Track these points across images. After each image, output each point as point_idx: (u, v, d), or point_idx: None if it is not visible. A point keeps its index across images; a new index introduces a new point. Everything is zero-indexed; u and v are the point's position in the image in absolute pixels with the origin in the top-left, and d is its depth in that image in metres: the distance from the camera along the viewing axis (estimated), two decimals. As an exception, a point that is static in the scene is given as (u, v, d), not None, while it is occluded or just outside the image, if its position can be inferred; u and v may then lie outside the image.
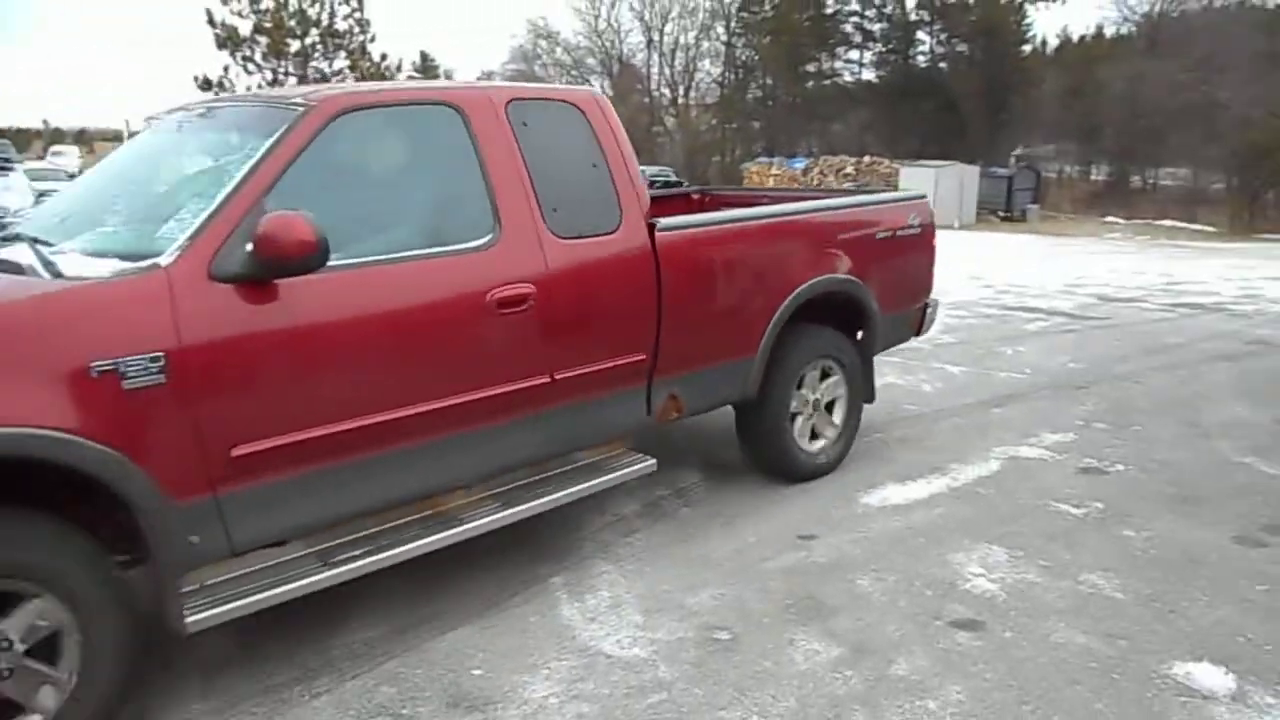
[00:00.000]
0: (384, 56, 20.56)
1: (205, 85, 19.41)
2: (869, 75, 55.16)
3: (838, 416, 4.68)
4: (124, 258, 2.65)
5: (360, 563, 2.96)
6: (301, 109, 3.01)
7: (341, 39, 20.07)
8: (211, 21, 18.96)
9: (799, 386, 4.47)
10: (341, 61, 20.35)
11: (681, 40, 57.74)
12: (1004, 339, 8.04)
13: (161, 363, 2.52)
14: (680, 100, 59.58)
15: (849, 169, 30.77)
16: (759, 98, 57.45)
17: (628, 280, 3.66)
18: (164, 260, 2.60)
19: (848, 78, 55.89)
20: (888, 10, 54.73)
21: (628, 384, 3.74)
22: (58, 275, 2.62)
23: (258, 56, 19.53)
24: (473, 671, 2.92)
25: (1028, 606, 3.25)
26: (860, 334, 4.74)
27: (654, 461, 3.88)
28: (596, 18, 58.43)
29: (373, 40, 20.47)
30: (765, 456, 4.53)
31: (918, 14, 54.23)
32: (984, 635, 3.07)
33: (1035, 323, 8.52)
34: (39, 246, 2.85)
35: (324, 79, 20.18)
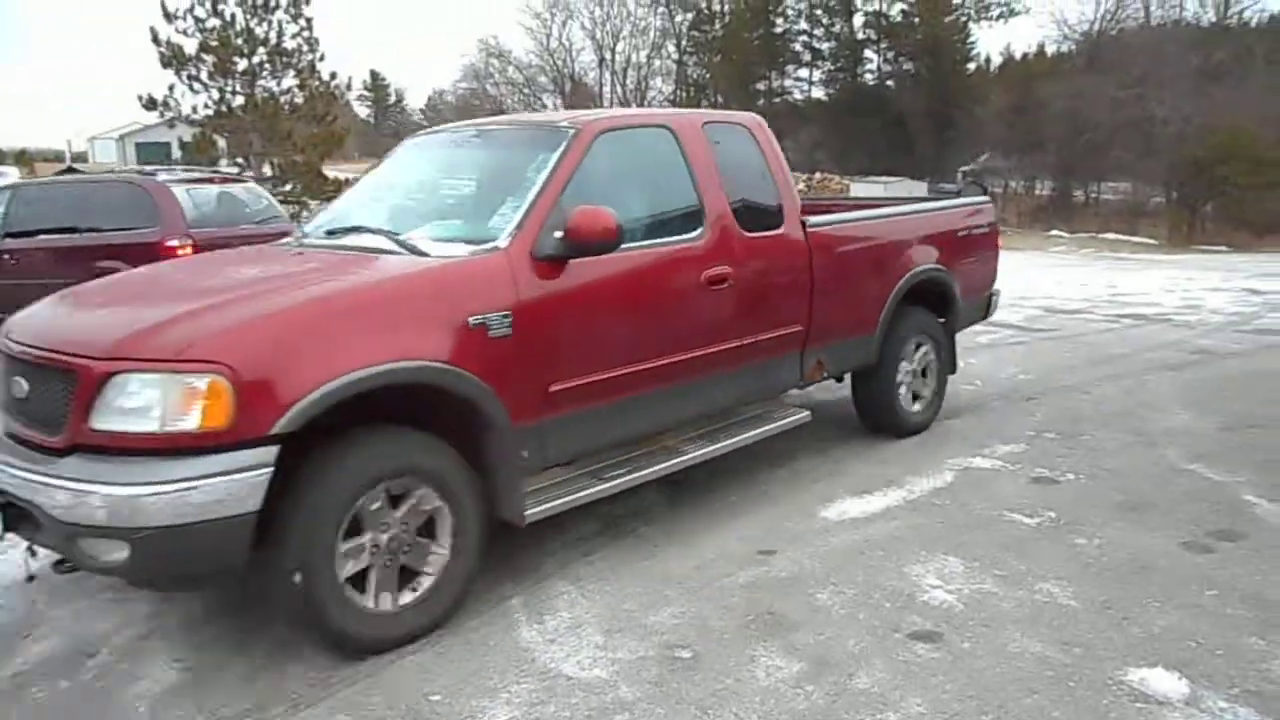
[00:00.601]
0: (334, 75, 20.34)
1: (150, 105, 19.04)
2: (819, 93, 55.90)
3: (930, 383, 5.67)
4: (468, 243, 3.56)
5: (624, 479, 3.90)
6: (573, 131, 3.91)
7: (290, 58, 19.83)
8: (156, 40, 18.62)
9: (905, 358, 5.41)
10: (290, 80, 20.10)
11: (633, 59, 58.15)
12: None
13: (510, 319, 3.40)
14: (633, 118, 59.89)
15: (800, 185, 31.07)
16: (711, 115, 57.88)
17: (790, 265, 4.60)
18: (501, 244, 3.50)
19: (798, 96, 56.57)
20: (835, 29, 55.55)
21: (789, 349, 4.69)
22: (423, 255, 3.54)
23: (204, 75, 19.22)
24: (431, 697, 2.87)
25: (985, 616, 3.28)
26: (947, 315, 5.71)
27: (808, 413, 4.87)
28: (548, 36, 58.65)
29: (322, 59, 20.27)
30: (878, 416, 5.48)
31: (865, 33, 55.08)
32: (943, 646, 3.09)
33: (984, 335, 8.64)
34: (394, 235, 3.76)
35: (273, 98, 19.94)
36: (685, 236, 4.14)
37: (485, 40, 62.35)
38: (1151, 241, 28.20)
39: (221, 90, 19.61)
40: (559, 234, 3.51)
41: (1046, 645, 3.07)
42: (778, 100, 55.18)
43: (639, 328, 3.92)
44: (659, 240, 4.04)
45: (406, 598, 3.23)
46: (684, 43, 56.56)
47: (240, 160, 20.22)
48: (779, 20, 56.16)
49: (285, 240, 4.55)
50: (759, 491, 4.62)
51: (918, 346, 5.50)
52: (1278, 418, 5.78)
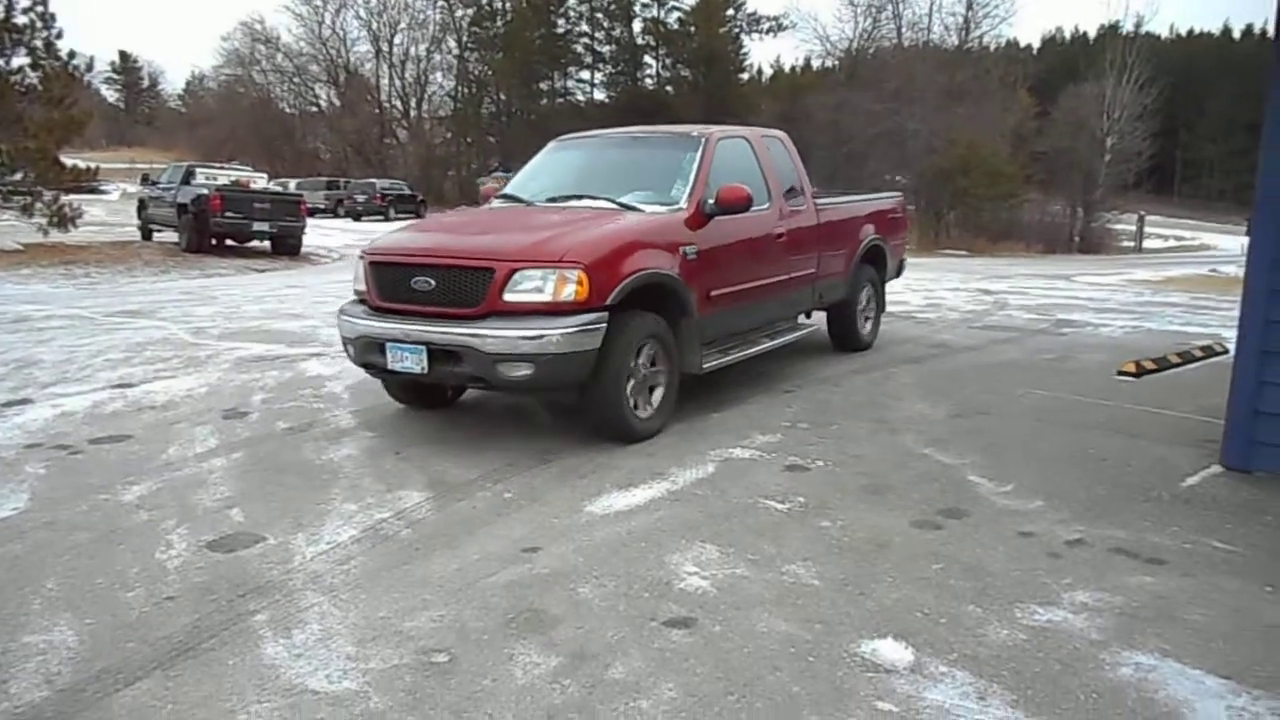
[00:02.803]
0: (72, 54, 18.47)
1: None
2: (600, 95, 56.70)
3: (871, 315, 8.45)
4: (662, 205, 5.76)
5: (737, 355, 6.23)
6: (704, 138, 6.24)
7: (20, 34, 17.84)
8: None
9: (861, 296, 8.13)
10: (21, 59, 18.10)
11: (413, 52, 56.72)
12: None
13: (695, 250, 5.61)
14: (413, 113, 58.38)
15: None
16: (493, 113, 57.51)
17: (808, 229, 7.07)
18: (683, 205, 5.76)
19: (580, 96, 57.12)
20: (616, 33, 56.53)
21: (807, 283, 7.15)
22: (640, 211, 5.68)
23: (-84, 49, 16.99)
24: (158, 726, 2.65)
25: (736, 600, 3.40)
26: (882, 270, 8.52)
27: (816, 325, 7.72)
28: (320, 24, 56.14)
29: (59, 36, 18.35)
30: (846, 337, 8.18)
31: (644, 39, 56.40)
32: (696, 632, 3.18)
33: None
34: (613, 199, 5.84)
35: (2, 78, 17.90)
36: (762, 207, 6.37)
37: (249, 24, 58.64)
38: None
39: (-64, 66, 17.39)
40: (711, 200, 5.77)
41: (791, 624, 3.23)
42: (560, 100, 55.54)
43: (746, 260, 6.23)
44: (751, 209, 6.00)
45: (650, 410, 5.41)
46: (465, 38, 55.74)
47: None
48: (560, 21, 56.52)
49: (497, 204, 6.66)
50: (529, 487, 4.59)
51: (867, 290, 8.22)
52: (1001, 405, 6.38)
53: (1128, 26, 43.40)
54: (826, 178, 38.85)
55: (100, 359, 7.92)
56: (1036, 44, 61.18)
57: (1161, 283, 17.67)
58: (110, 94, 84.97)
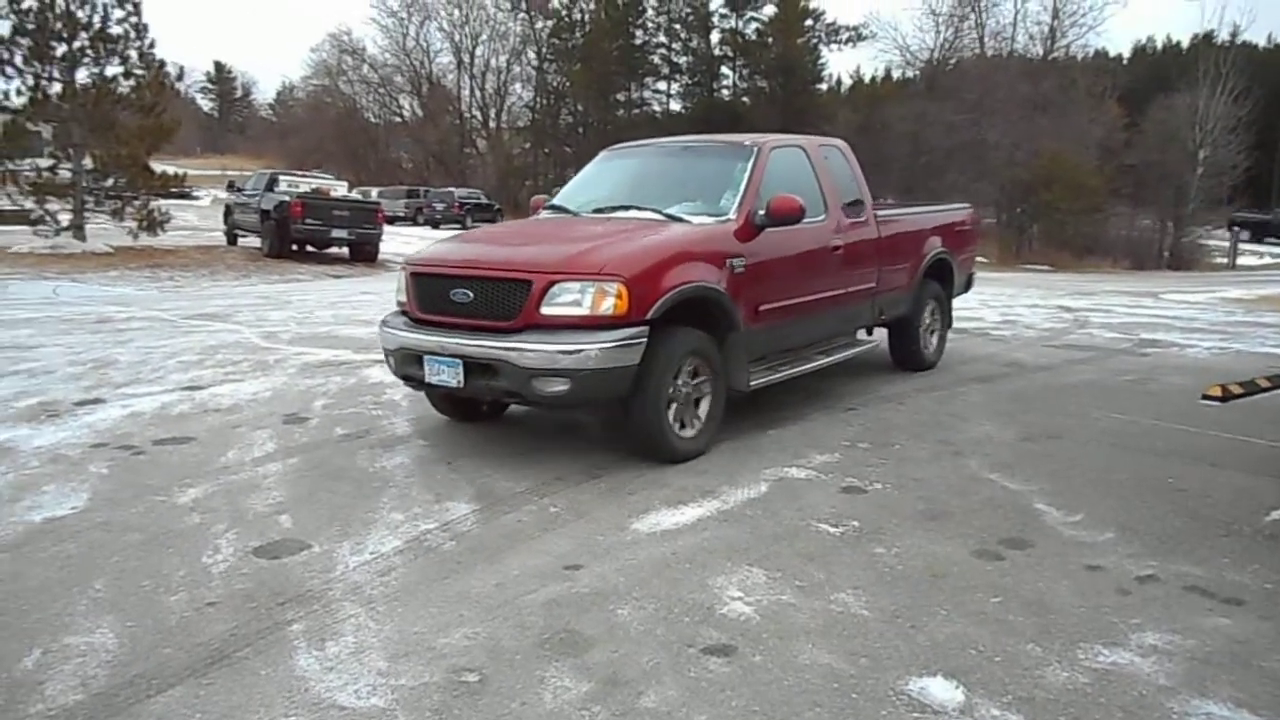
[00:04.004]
0: (162, 64, 19.14)
1: (-46, 88, 17.52)
2: (676, 106, 56.75)
3: (936, 332, 8.11)
4: (710, 216, 5.61)
5: (789, 372, 6.02)
6: (757, 148, 6.05)
7: (116, 44, 18.56)
8: (-38, 20, 17.15)
9: (925, 313, 7.80)
10: (115, 68, 18.82)
11: (493, 63, 57.49)
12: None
13: (743, 262, 5.42)
14: (492, 123, 59.19)
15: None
16: (570, 124, 57.97)
17: (868, 242, 6.80)
18: (732, 216, 5.59)
19: (656, 107, 57.27)
20: (693, 45, 56.54)
21: (866, 298, 6.89)
22: (687, 223, 5.54)
23: (18, 60, 17.77)
24: (184, 736, 2.63)
25: (779, 629, 3.27)
26: (948, 285, 8.14)
27: (877, 340, 7.42)
28: (404, 36, 57.31)
29: (152, 46, 19.05)
30: (907, 355, 7.82)
31: (721, 49, 56.31)
32: (735, 660, 3.06)
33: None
34: (659, 210, 5.71)
35: (97, 86, 18.64)
36: (818, 219, 6.22)
37: (337, 35, 60.19)
38: (983, 260, 29.75)
39: (38, 76, 18.19)
40: (762, 211, 5.57)
41: (835, 656, 3.08)
42: (637, 111, 55.76)
43: (798, 273, 6.04)
44: (806, 220, 5.80)
45: (693, 430, 5.23)
46: (544, 49, 56.33)
47: (57, 152, 18.80)
48: (638, 32, 56.77)
49: (544, 215, 6.55)
50: (577, 502, 4.53)
51: (931, 306, 7.87)
52: (1074, 429, 6.10)
53: (1222, 36, 41.72)
54: (904, 190, 38.22)
55: (173, 361, 8.12)
56: (1126, 54, 59.12)
57: (1255, 301, 16.87)
58: (205, 103, 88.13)
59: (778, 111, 47.82)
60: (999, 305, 13.92)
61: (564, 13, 55.54)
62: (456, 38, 57.16)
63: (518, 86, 58.05)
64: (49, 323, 10.44)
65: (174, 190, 21.18)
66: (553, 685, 2.91)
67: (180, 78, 21.10)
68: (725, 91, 56.13)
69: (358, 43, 58.93)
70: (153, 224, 19.18)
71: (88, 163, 18.79)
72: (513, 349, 4.73)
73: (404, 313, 5.48)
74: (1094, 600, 3.53)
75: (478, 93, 58.34)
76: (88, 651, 3.10)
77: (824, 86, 55.28)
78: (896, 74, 50.12)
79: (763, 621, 3.33)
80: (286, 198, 19.70)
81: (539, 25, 55.90)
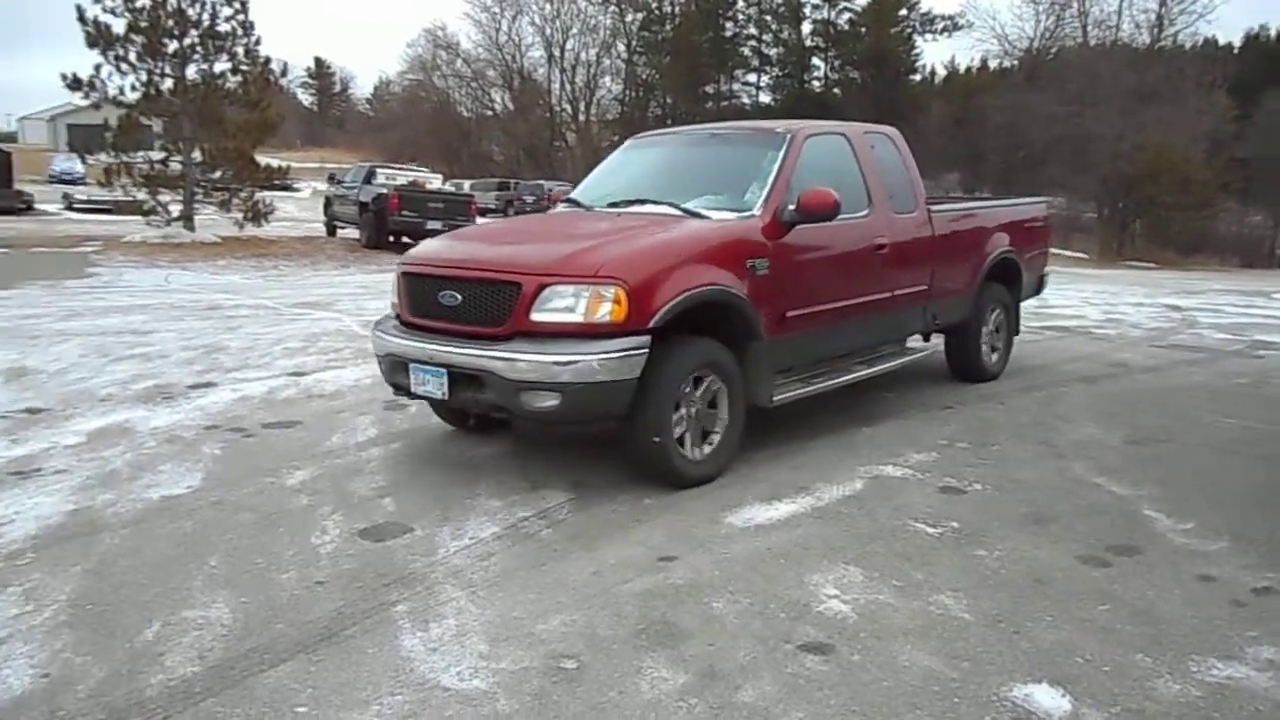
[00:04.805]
0: (267, 60, 19.80)
1: (74, 85, 18.36)
2: (766, 98, 56.32)
3: (1001, 341, 7.31)
4: (732, 211, 5.03)
5: (824, 384, 5.45)
6: (790, 135, 5.44)
7: (224, 41, 19.27)
8: (82, 19, 17.95)
9: (986, 319, 7.01)
10: (223, 64, 19.55)
11: (583, 57, 57.89)
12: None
13: (767, 264, 4.87)
14: (581, 116, 59.59)
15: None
16: (659, 116, 57.97)
17: (921, 240, 6.14)
18: (756, 212, 5.01)
19: (745, 100, 56.92)
20: (784, 36, 56.02)
21: (917, 302, 6.22)
22: (705, 219, 4.98)
23: (132, 56, 18.58)
24: (297, 709, 2.73)
25: (877, 628, 3.24)
26: (1014, 288, 7.32)
27: (930, 348, 6.72)
28: (497, 30, 58.08)
29: (258, 43, 19.74)
30: (966, 365, 7.05)
31: (813, 40, 55.67)
32: (832, 659, 3.03)
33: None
34: (677, 204, 5.18)
35: (205, 82, 19.39)
36: (859, 214, 5.62)
37: (432, 30, 61.32)
38: (1083, 256, 28.87)
39: (150, 72, 19.00)
40: (792, 206, 4.98)
41: (935, 659, 3.04)
42: (726, 104, 55.46)
43: (834, 275, 5.45)
44: (846, 215, 5.26)
45: (705, 450, 4.70)
46: (634, 42, 56.48)
47: (170, 145, 19.62)
48: (729, 24, 56.54)
49: (560, 209, 6.20)
50: (671, 494, 4.54)
51: (994, 311, 7.08)
52: (1184, 433, 5.87)
53: (1347, 22, 39.47)
54: (1000, 182, 37.27)
55: (279, 347, 8.41)
56: (1237, 42, 56.26)
57: (1381, 303, 15.97)
58: (305, 98, 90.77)
59: (869, 103, 47.06)
60: (1101, 303, 13.46)
61: (654, 6, 55.56)
62: (548, 31, 57.69)
63: (607, 80, 58.35)
64: (162, 309, 10.91)
65: (277, 182, 21.89)
66: (650, 675, 2.93)
67: (284, 74, 21.74)
68: (816, 83, 55.46)
69: (452, 38, 60.00)
70: (257, 215, 19.88)
71: (197, 155, 19.58)
72: (499, 358, 4.27)
73: (397, 315, 5.08)
74: (1207, 611, 3.39)
75: (568, 86, 58.80)
76: (204, 625, 3.24)
77: (917, 77, 54.20)
78: (993, 64, 48.79)
79: (860, 620, 3.29)
80: (384, 190, 20.20)
81: (629, 18, 56.06)
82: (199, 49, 19.19)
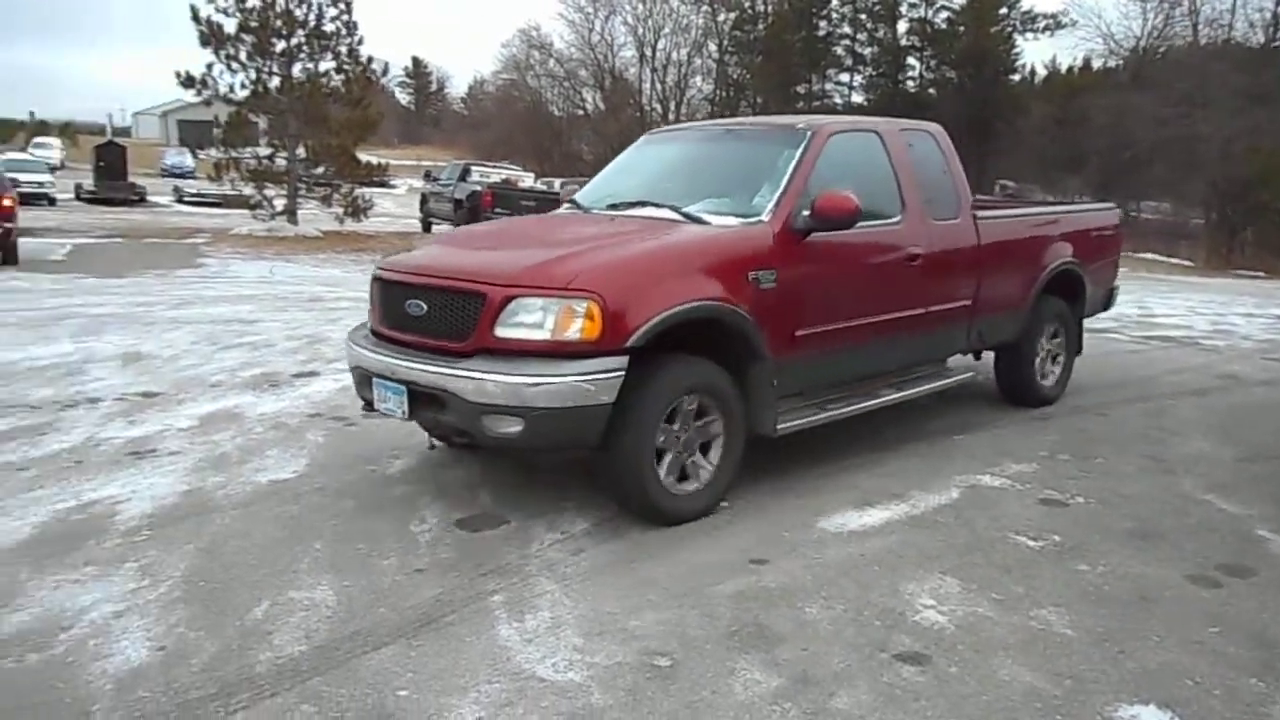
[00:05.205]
0: (370, 60, 20.36)
1: (188, 82, 19.17)
2: (859, 98, 55.53)
3: (1059, 361, 6.60)
4: (738, 216, 4.54)
5: (842, 410, 4.88)
6: (810, 132, 4.88)
7: (328, 40, 19.88)
8: (196, 18, 18.74)
9: (1042, 338, 6.33)
10: (328, 63, 20.16)
11: (674, 56, 57.85)
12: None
13: (774, 276, 4.36)
14: (671, 116, 59.61)
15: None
16: (750, 116, 57.59)
17: (963, 250, 5.52)
18: (765, 218, 4.48)
19: (838, 100, 56.22)
20: (879, 35, 55.16)
21: (958, 319, 5.60)
22: (706, 224, 4.53)
23: (242, 55, 19.31)
24: (398, 692, 2.81)
25: (976, 641, 3.18)
26: (1077, 303, 6.59)
27: (973, 372, 5.99)
28: (590, 30, 58.47)
29: (360, 43, 20.31)
30: (1017, 387, 6.38)
31: (909, 39, 54.68)
32: (929, 669, 2.99)
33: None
34: (678, 208, 4.70)
35: (310, 80, 20.03)
36: (889, 221, 5.07)
37: (526, 30, 62.13)
38: (1189, 263, 27.75)
39: (259, 71, 19.70)
40: (806, 212, 4.46)
41: (1037, 675, 2.96)
42: (817, 104, 54.87)
43: (859, 291, 4.90)
44: (873, 222, 4.86)
45: (696, 483, 4.22)
46: (725, 42, 56.25)
47: (276, 141, 20.32)
48: (822, 23, 55.89)
49: (560, 211, 5.75)
50: (759, 498, 4.52)
51: (1052, 329, 6.42)
52: (1302, 450, 5.60)
53: None
54: (1100, 185, 36.02)
55: (376, 340, 8.62)
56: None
57: None
58: (403, 97, 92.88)
59: (966, 102, 46.03)
60: (1209, 313, 12.91)
61: (747, 5, 55.28)
62: (640, 31, 57.84)
63: (698, 79, 58.24)
64: (267, 300, 11.30)
65: (375, 179, 22.49)
66: (743, 677, 2.93)
67: (385, 73, 22.34)
68: (910, 83, 54.47)
69: (545, 38, 60.60)
70: (357, 210, 20.44)
71: (301, 152, 20.24)
72: (459, 377, 3.87)
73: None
74: (1329, 639, 3.24)
75: (658, 85, 58.90)
76: (310, 606, 3.35)
77: (1016, 77, 52.76)
78: (1097, 63, 47.13)
79: (958, 632, 3.24)
80: (478, 187, 20.60)
81: (721, 18, 55.88)
82: (305, 48, 19.83)
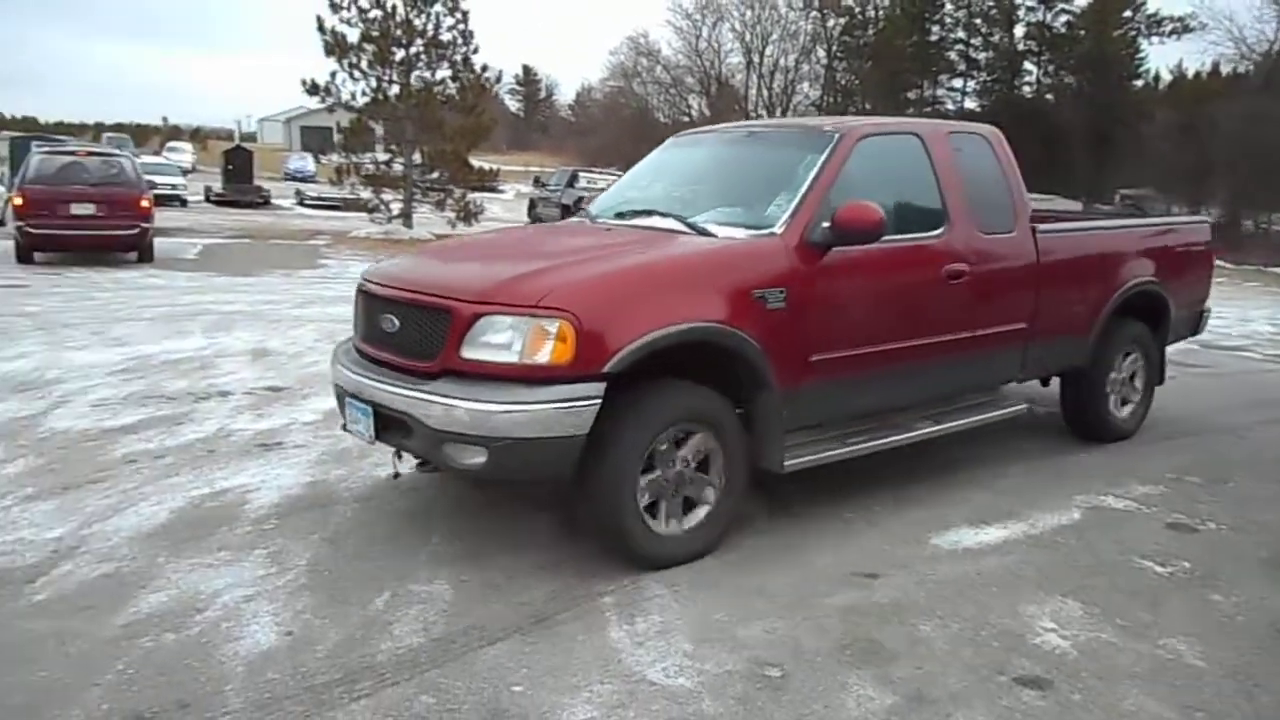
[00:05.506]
0: (485, 68, 20.84)
1: (313, 90, 19.96)
2: (971, 104, 54.18)
3: (1137, 392, 5.91)
4: (748, 228, 4.13)
5: (866, 445, 4.38)
6: (838, 135, 4.40)
7: (445, 49, 20.43)
8: (321, 29, 19.51)
9: (1115, 365, 5.69)
10: (444, 71, 20.72)
11: (781, 62, 57.54)
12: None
13: (784, 294, 3.93)
14: (777, 122, 59.19)
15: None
16: (857, 123, 56.74)
17: (1018, 267, 4.96)
18: (778, 230, 4.05)
19: (950, 106, 54.96)
20: (995, 39, 53.75)
21: (1012, 344, 5.02)
22: (711, 236, 4.13)
23: (364, 64, 20.00)
24: (513, 688, 2.87)
25: (1100, 668, 3.07)
26: (1159, 327, 5.91)
27: (1026, 405, 5.25)
28: (697, 37, 58.62)
29: (475, 52, 20.80)
30: (1084, 419, 5.73)
31: (1026, 44, 53.13)
32: (1051, 695, 2.90)
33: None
34: (683, 218, 4.32)
35: (427, 88, 20.60)
36: (930, 234, 4.58)
37: (635, 38, 62.64)
38: (1330, 280, 26.11)
39: (379, 79, 20.36)
40: (826, 224, 4.03)
41: (1165, 706, 2.84)
42: (928, 110, 53.75)
43: (886, 312, 4.42)
44: (907, 236, 4.47)
45: (688, 523, 3.84)
46: (834, 48, 55.66)
47: (393, 147, 20.98)
48: (935, 27, 54.78)
49: (576, 220, 5.36)
50: (871, 511, 4.46)
51: (1128, 355, 5.78)
52: None
53: None
54: (1230, 196, 34.26)
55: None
56: None
57: None
58: (512, 104, 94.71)
59: (1085, 109, 44.46)
60: (1354, 333, 12.14)
61: (857, 10, 54.58)
62: (747, 38, 57.70)
63: (805, 85, 57.77)
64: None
65: (486, 184, 22.97)
66: (855, 693, 2.90)
67: (499, 80, 22.78)
68: (1026, 88, 52.89)
69: (653, 45, 61.01)
70: (469, 214, 20.93)
71: (417, 158, 20.82)
72: (421, 400, 3.56)
73: None
74: None
75: (764, 92, 58.62)
76: (428, 599, 3.46)
77: (1139, 83, 50.69)
78: (1226, 69, 44.88)
79: (1080, 658, 3.13)
80: (585, 194, 20.82)
81: (830, 23, 55.32)
82: (423, 57, 20.41)
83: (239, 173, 32.02)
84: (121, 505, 4.29)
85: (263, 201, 31.49)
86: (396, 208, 20.97)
